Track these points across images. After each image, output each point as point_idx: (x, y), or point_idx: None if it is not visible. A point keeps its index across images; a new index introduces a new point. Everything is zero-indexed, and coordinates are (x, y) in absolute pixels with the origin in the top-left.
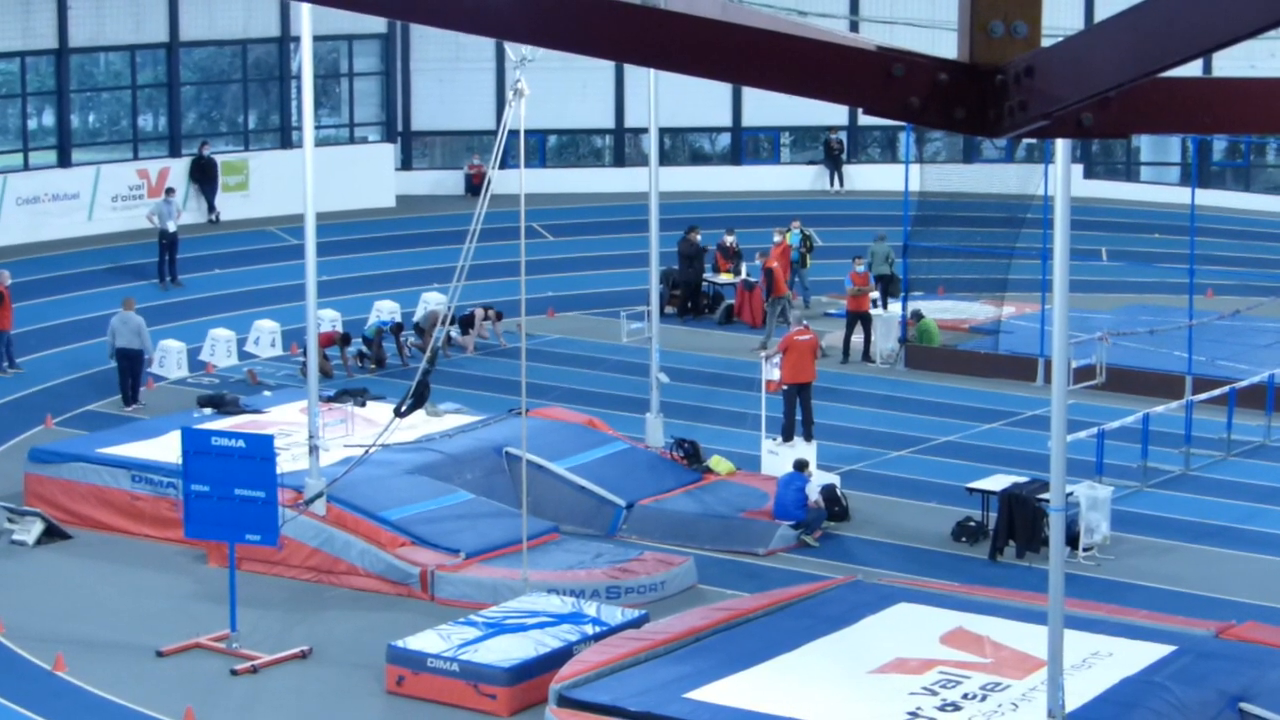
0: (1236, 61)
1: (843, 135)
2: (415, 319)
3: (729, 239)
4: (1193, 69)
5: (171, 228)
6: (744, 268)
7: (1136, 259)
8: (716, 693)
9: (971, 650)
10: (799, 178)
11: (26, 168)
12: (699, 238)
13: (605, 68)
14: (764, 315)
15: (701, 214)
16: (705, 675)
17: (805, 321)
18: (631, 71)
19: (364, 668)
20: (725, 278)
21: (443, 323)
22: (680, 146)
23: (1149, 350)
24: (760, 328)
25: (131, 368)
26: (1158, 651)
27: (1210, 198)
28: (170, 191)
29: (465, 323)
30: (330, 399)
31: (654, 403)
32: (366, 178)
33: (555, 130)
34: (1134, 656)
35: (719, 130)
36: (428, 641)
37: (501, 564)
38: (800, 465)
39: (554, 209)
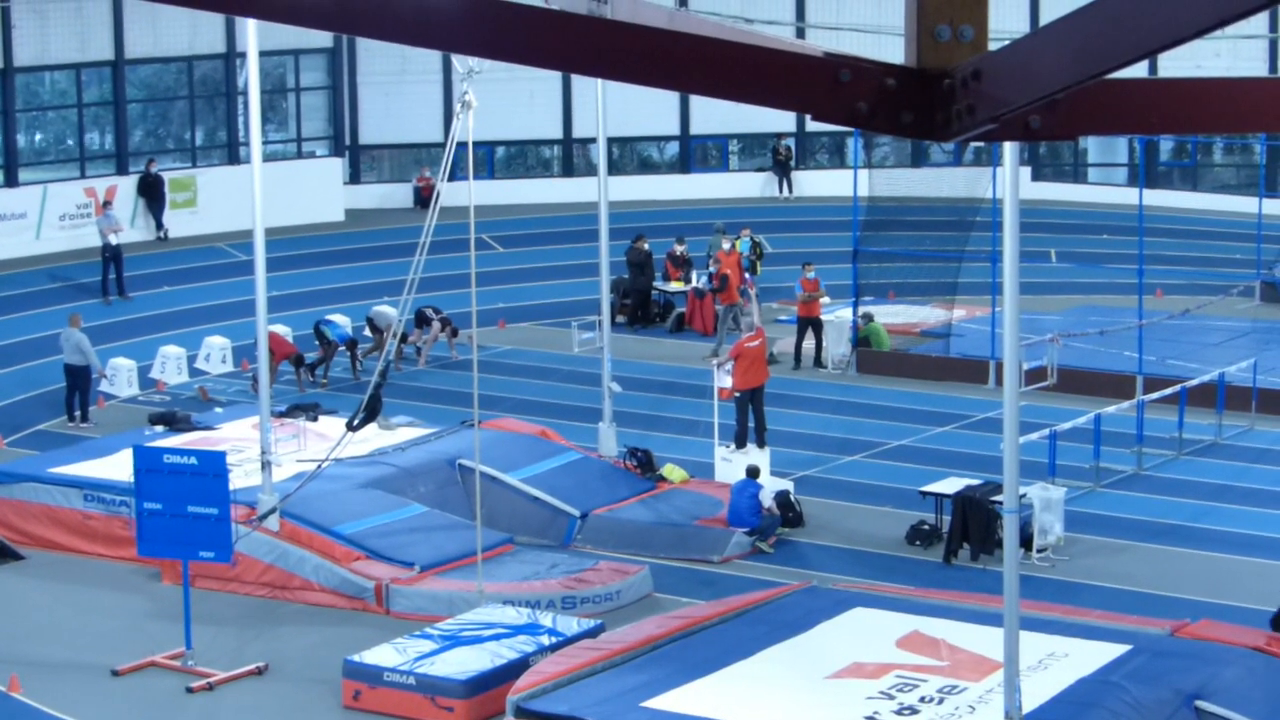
0: (1182, 62)
1: (791, 142)
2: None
3: (679, 248)
4: (1139, 70)
5: (114, 240)
6: (694, 275)
7: (1085, 260)
8: (673, 701)
9: (928, 653)
10: (748, 185)
11: None
12: (647, 245)
13: (552, 78)
14: (715, 323)
15: (651, 222)
16: (662, 684)
17: (757, 325)
18: (579, 81)
19: (320, 683)
20: (676, 286)
21: (393, 335)
22: (628, 155)
23: (1100, 351)
24: (711, 335)
25: (78, 384)
26: (1113, 651)
27: (1158, 198)
28: (107, 204)
29: (420, 320)
30: (282, 414)
31: (606, 412)
32: (315, 192)
33: (503, 141)
34: (1090, 657)
35: (667, 139)
36: (384, 655)
37: (456, 576)
38: (753, 472)
39: (503, 220)
